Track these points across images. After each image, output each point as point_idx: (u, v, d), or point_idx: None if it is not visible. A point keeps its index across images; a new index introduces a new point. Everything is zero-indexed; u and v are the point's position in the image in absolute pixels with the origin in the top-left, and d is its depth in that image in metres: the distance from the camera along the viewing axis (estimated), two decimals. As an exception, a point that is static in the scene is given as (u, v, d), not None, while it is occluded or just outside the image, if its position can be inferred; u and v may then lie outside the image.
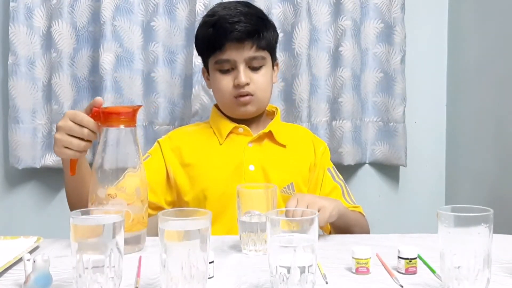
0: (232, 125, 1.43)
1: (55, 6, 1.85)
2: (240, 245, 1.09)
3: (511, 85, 1.64)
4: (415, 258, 0.94)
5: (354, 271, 0.94)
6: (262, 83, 1.40)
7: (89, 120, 1.07)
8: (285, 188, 1.39)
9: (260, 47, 1.38)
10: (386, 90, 1.95)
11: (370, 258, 0.94)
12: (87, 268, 0.79)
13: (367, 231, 1.44)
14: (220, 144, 1.43)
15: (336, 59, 1.92)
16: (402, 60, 1.94)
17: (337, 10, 1.90)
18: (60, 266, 0.94)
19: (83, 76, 1.90)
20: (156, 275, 0.88)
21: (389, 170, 2.04)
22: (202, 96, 1.85)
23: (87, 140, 1.09)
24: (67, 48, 1.86)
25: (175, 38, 1.90)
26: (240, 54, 1.36)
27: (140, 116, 1.86)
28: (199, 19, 1.84)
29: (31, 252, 1.06)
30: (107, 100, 1.85)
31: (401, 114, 1.95)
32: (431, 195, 2.07)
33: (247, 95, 1.38)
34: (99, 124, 1.08)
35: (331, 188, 1.47)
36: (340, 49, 1.90)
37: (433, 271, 0.93)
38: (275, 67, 1.48)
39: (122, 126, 1.07)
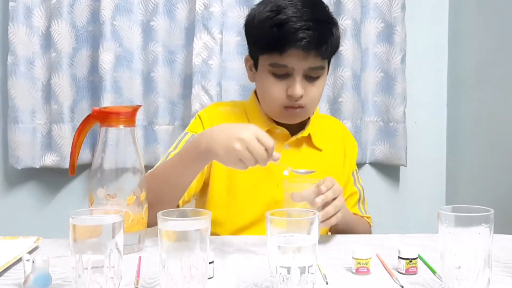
0: (270, 125, 1.32)
1: (54, 6, 1.84)
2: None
3: (511, 85, 1.64)
4: (416, 258, 0.94)
5: (354, 271, 0.94)
6: (315, 96, 1.28)
7: (272, 147, 1.02)
8: None
9: (323, 58, 1.26)
10: (387, 90, 1.95)
11: (371, 258, 0.94)
12: (86, 268, 0.79)
13: (365, 231, 1.41)
14: None
15: (336, 59, 1.91)
16: (403, 60, 1.94)
17: (337, 9, 1.90)
18: (60, 266, 0.94)
19: (82, 76, 1.90)
20: (156, 275, 0.87)
21: (389, 170, 2.04)
22: (202, 96, 1.85)
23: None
24: (66, 48, 1.86)
25: (175, 38, 1.90)
26: (301, 64, 1.22)
27: (139, 116, 1.86)
28: (199, 18, 1.85)
29: (30, 252, 1.05)
30: (106, 100, 1.84)
31: (401, 114, 1.95)
32: (431, 195, 2.07)
33: (298, 107, 1.26)
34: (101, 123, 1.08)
35: (350, 193, 1.41)
36: (341, 48, 1.89)
37: (434, 271, 0.93)
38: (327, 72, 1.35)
39: (121, 126, 1.07)
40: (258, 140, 1.01)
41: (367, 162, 2.01)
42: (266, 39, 1.24)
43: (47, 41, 1.86)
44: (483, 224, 0.79)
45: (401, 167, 2.03)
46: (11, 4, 1.84)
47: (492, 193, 1.74)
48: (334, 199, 1.11)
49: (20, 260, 0.93)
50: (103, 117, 1.07)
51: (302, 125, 1.35)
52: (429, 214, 1.99)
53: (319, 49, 1.22)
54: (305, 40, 1.19)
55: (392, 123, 1.96)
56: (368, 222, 1.43)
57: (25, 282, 0.82)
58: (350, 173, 1.42)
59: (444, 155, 2.07)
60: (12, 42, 1.84)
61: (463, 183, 1.98)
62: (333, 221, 1.11)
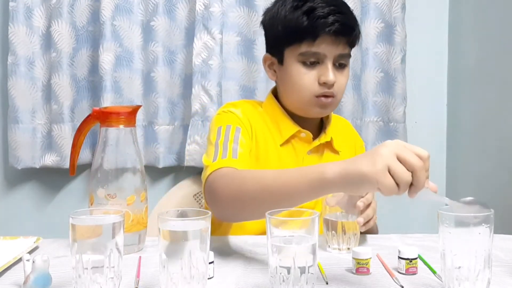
0: (296, 128, 1.29)
1: (54, 6, 1.84)
2: (325, 243, 1.10)
3: (511, 85, 1.64)
4: (416, 259, 0.94)
5: (354, 271, 0.94)
6: (343, 84, 1.27)
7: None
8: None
9: (351, 45, 1.26)
10: (387, 90, 1.95)
11: (371, 258, 0.94)
12: (86, 268, 0.79)
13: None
14: (280, 145, 1.29)
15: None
16: (403, 60, 1.94)
17: (337, 9, 1.90)
18: (60, 266, 0.94)
19: (82, 76, 1.90)
20: (156, 276, 0.87)
21: (389, 170, 2.03)
22: (202, 96, 1.85)
23: None
24: (66, 48, 1.86)
25: (175, 38, 1.90)
26: (333, 50, 1.22)
27: (139, 116, 1.86)
28: (199, 18, 1.84)
29: (30, 252, 1.05)
30: (106, 100, 1.84)
31: (401, 114, 1.95)
32: (431, 195, 2.07)
33: (330, 96, 1.24)
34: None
35: None
36: (340, 49, 1.90)
37: (434, 272, 0.93)
38: None
39: (121, 126, 1.07)
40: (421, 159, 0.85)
41: (367, 162, 2.01)
42: (296, 28, 1.22)
43: (47, 41, 1.86)
44: (483, 224, 0.79)
45: (401, 167, 2.02)
46: (11, 4, 1.84)
47: (492, 193, 1.74)
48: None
49: (20, 260, 0.93)
50: (103, 117, 1.07)
51: (321, 129, 1.33)
52: (429, 214, 1.99)
53: (349, 34, 1.23)
54: (337, 23, 1.19)
55: (392, 123, 1.96)
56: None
57: (25, 282, 0.82)
58: None
59: (444, 155, 2.07)
60: (12, 42, 1.84)
61: (463, 183, 1.97)
62: (371, 223, 1.09)
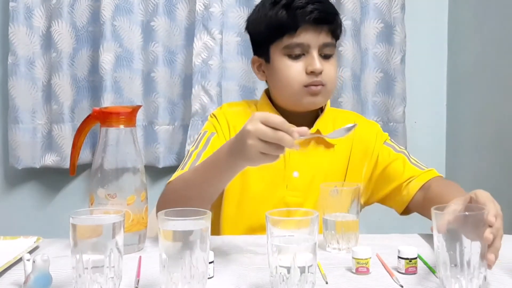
0: None
1: (54, 6, 1.85)
2: (324, 243, 1.09)
3: (511, 85, 1.64)
4: (415, 258, 0.94)
5: (354, 271, 0.94)
6: (333, 73, 1.25)
7: (283, 122, 0.91)
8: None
9: (334, 34, 1.25)
10: (386, 90, 1.96)
11: (370, 258, 0.94)
12: (86, 268, 0.79)
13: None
14: None
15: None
16: (402, 60, 1.94)
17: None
18: (60, 266, 0.94)
19: (83, 76, 1.90)
20: (156, 275, 0.88)
21: (389, 170, 2.04)
22: (202, 96, 1.85)
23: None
24: (67, 48, 1.86)
25: (175, 38, 1.90)
26: (316, 39, 1.21)
27: (140, 116, 1.86)
28: (199, 19, 1.85)
29: (30, 252, 1.06)
30: (106, 100, 1.85)
31: (401, 114, 1.95)
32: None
33: (319, 84, 1.22)
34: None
35: (393, 159, 1.30)
36: (340, 49, 1.90)
37: (433, 271, 0.93)
38: None
39: (121, 126, 1.07)
40: (266, 124, 0.92)
41: (367, 162, 2.01)
42: (277, 23, 1.23)
43: (48, 41, 1.86)
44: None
45: (401, 167, 2.03)
46: (11, 4, 1.84)
47: (491, 192, 1.74)
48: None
49: (20, 260, 0.93)
50: (104, 117, 1.07)
51: (314, 122, 1.30)
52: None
53: (330, 22, 1.23)
54: (316, 11, 1.20)
55: (391, 123, 1.96)
56: (440, 176, 1.30)
57: (25, 282, 0.82)
58: (379, 152, 1.31)
59: (444, 155, 2.08)
60: (12, 42, 1.84)
61: (463, 183, 1.96)
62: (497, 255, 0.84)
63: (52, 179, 1.97)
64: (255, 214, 1.27)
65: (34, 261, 0.81)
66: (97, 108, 1.09)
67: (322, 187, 1.10)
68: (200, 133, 1.31)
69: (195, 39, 1.85)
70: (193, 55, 1.85)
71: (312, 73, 1.21)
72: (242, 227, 1.29)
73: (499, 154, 1.71)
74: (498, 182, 1.70)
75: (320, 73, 1.22)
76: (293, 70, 1.23)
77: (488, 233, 0.81)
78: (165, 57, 1.90)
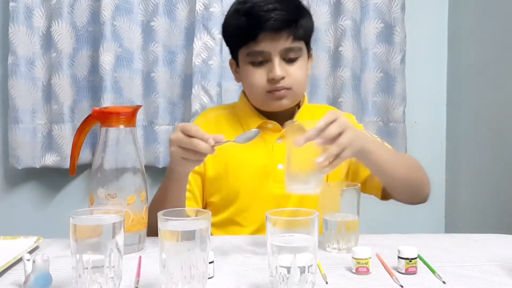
0: (261, 120, 1.32)
1: (54, 6, 1.85)
2: (324, 243, 1.09)
3: (511, 85, 1.64)
4: (415, 258, 0.94)
5: (354, 271, 0.94)
6: (298, 76, 1.27)
7: (197, 130, 1.02)
8: None
9: (297, 38, 1.26)
10: (386, 90, 1.96)
11: (370, 258, 0.94)
12: (86, 268, 0.79)
13: (421, 174, 1.33)
14: None
15: (336, 59, 1.92)
16: (402, 60, 1.94)
17: (337, 10, 1.91)
18: (60, 266, 0.94)
19: (82, 76, 1.90)
20: (156, 275, 0.88)
21: (389, 170, 2.04)
22: (202, 96, 1.85)
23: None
24: (67, 48, 1.86)
25: (175, 38, 1.90)
26: (275, 46, 1.24)
27: (140, 116, 1.86)
28: (199, 19, 1.85)
29: (30, 252, 1.06)
30: (106, 100, 1.85)
31: (401, 114, 1.95)
32: (431, 195, 2.07)
33: (282, 89, 1.26)
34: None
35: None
36: (340, 49, 1.90)
37: (433, 271, 0.93)
38: (309, 58, 1.34)
39: (122, 126, 1.07)
40: (183, 133, 1.02)
41: (367, 162, 2.01)
42: (237, 30, 1.27)
43: (48, 41, 1.87)
44: None
45: (401, 167, 2.03)
46: (11, 4, 1.84)
47: (491, 193, 1.75)
48: (340, 134, 1.02)
49: (20, 260, 0.93)
50: (104, 117, 1.07)
51: (293, 118, 1.34)
52: (429, 214, 1.99)
53: (289, 28, 1.23)
54: (272, 19, 1.21)
55: (391, 123, 1.96)
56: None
57: (25, 282, 0.82)
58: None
59: (444, 155, 2.08)
60: (12, 42, 1.84)
61: (463, 183, 1.98)
62: (336, 163, 1.01)
63: (52, 179, 1.97)
64: (246, 209, 1.29)
65: (34, 261, 0.81)
66: (97, 108, 1.09)
67: (323, 187, 1.10)
68: None
69: (195, 39, 1.85)
70: (193, 55, 1.85)
71: (272, 79, 1.25)
72: (233, 225, 1.30)
73: (499, 154, 1.71)
74: (498, 182, 1.70)
75: (283, 78, 1.25)
76: (256, 77, 1.27)
77: (317, 139, 0.99)
78: (165, 57, 1.90)
